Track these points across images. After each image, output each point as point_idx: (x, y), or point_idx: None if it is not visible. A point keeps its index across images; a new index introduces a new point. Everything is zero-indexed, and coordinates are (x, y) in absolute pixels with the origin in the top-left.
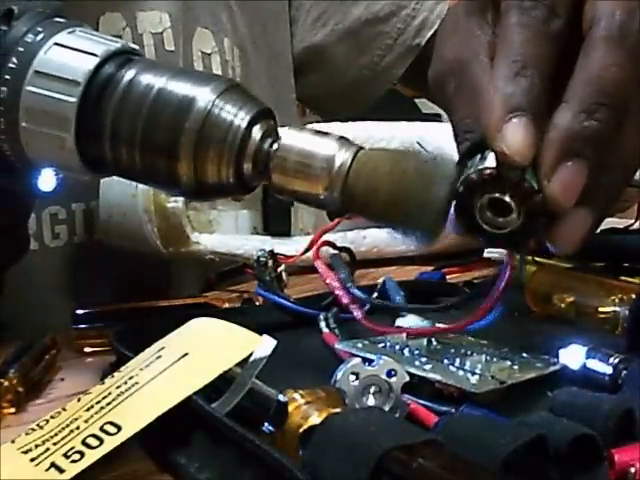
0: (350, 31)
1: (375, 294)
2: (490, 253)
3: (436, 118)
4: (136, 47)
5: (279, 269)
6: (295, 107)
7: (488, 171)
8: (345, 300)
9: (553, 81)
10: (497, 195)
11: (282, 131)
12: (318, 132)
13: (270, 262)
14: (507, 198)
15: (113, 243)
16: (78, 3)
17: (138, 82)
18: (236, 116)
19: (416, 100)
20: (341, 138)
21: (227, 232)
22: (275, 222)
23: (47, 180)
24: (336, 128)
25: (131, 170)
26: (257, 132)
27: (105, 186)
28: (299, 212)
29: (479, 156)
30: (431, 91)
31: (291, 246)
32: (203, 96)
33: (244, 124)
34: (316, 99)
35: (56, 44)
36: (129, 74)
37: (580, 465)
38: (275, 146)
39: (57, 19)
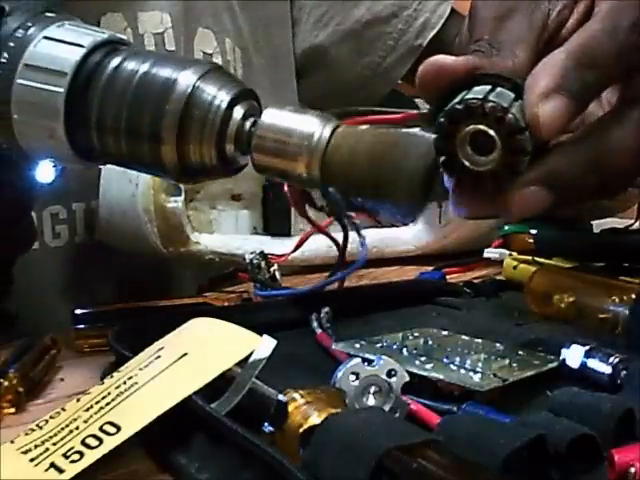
0: (352, 32)
1: None
2: (490, 253)
3: None
4: (124, 37)
5: (272, 269)
6: None
7: (474, 101)
8: None
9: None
10: (481, 127)
11: (264, 111)
12: (299, 110)
13: (262, 263)
14: (491, 131)
15: (113, 243)
16: (79, 3)
17: (122, 69)
18: (217, 97)
19: (416, 100)
20: (322, 115)
21: (227, 232)
22: (275, 222)
23: (45, 172)
24: None
25: (118, 157)
26: (238, 112)
27: (105, 186)
28: None
29: (465, 92)
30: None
31: (291, 246)
32: (184, 79)
33: (224, 104)
34: (318, 100)
35: (45, 37)
36: (114, 62)
37: (580, 465)
38: (255, 125)
39: (47, 14)
